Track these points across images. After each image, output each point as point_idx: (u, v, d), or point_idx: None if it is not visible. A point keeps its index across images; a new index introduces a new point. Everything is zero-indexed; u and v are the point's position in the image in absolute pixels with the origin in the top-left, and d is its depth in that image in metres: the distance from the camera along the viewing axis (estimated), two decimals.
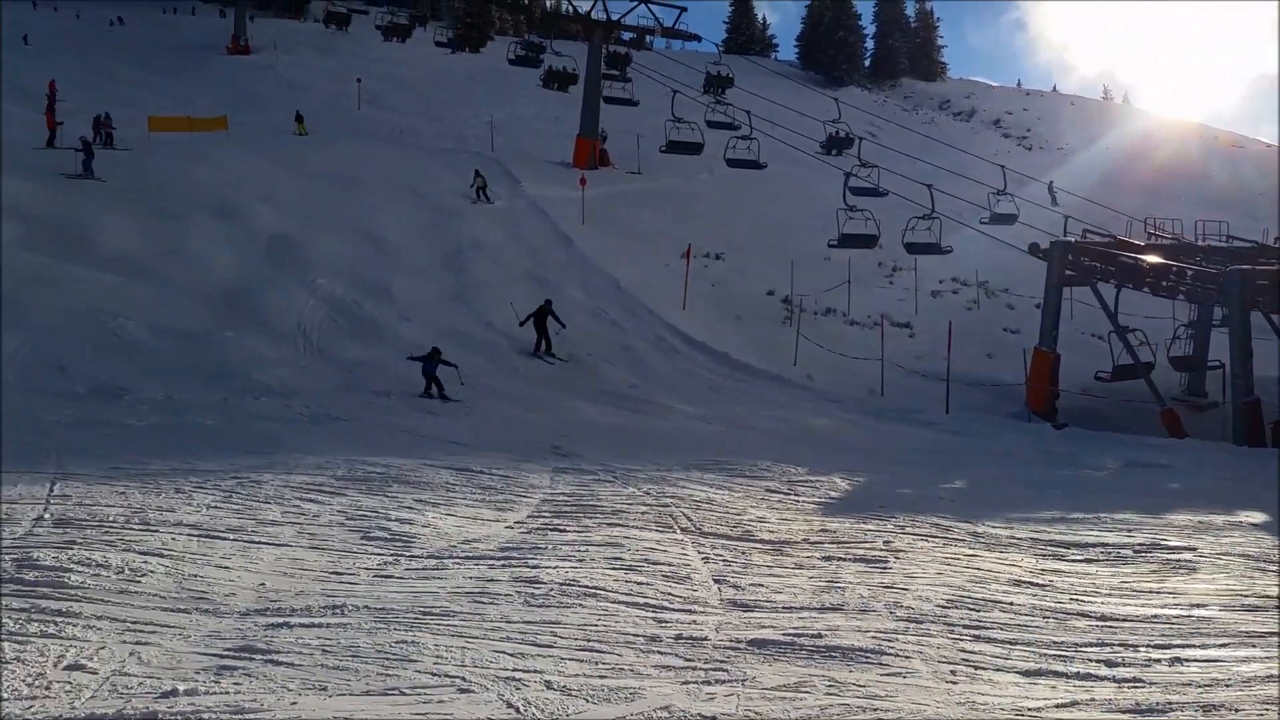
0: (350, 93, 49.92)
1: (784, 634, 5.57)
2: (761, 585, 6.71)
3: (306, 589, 5.90)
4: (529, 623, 5.42)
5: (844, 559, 7.60)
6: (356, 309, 20.95)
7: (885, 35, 78.08)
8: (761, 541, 8.07)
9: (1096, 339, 21.07)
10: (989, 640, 5.73)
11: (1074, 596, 6.78)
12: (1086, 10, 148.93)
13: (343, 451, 11.25)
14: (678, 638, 5.39)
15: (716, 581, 6.70)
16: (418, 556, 6.85)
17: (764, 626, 5.74)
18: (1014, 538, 8.68)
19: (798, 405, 18.77)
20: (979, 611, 6.30)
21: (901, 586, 6.84)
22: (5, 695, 4.11)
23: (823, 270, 25.97)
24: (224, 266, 21.50)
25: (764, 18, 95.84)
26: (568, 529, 7.97)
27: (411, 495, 8.98)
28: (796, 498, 10.18)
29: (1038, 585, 7.06)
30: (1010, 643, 5.70)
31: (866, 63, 77.36)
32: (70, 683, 4.30)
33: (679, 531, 8.18)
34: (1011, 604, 6.51)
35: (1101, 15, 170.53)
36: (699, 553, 7.48)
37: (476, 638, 5.12)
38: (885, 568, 7.38)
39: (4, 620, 5.03)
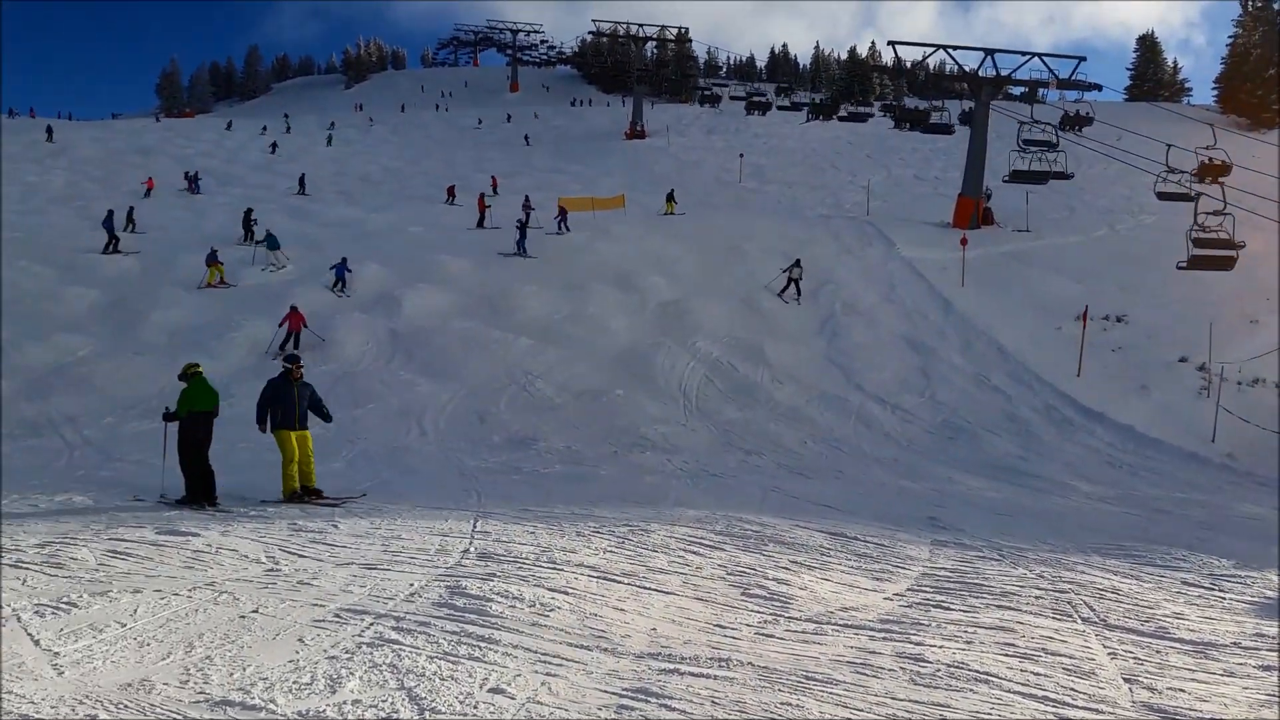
0: (735, 167, 52.60)
1: None
2: (1182, 690, 5.87)
3: (693, 639, 6.11)
4: (915, 702, 5.17)
5: None
6: (732, 371, 21.75)
7: None
8: (1180, 641, 7.08)
9: None
10: None
11: None
12: None
13: (720, 508, 11.58)
14: None
15: (1127, 681, 5.97)
16: (796, 619, 6.84)
17: None
18: None
19: (1219, 488, 16.43)
20: None
21: None
22: (442, 710, 4.66)
23: (1249, 333, 22.74)
24: (618, 331, 23.38)
25: (1174, 61, 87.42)
26: (952, 607, 7.54)
27: (787, 556, 9.01)
28: (1222, 594, 8.83)
29: None
30: None
31: None
32: (493, 705, 4.77)
33: (1079, 621, 7.42)
34: None
35: None
36: (1104, 647, 6.73)
37: (861, 711, 4.98)
38: None
39: (439, 640, 5.73)
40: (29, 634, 5.47)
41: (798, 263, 26.87)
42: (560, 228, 33.47)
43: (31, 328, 21.03)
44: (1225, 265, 20.92)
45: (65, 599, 6.16)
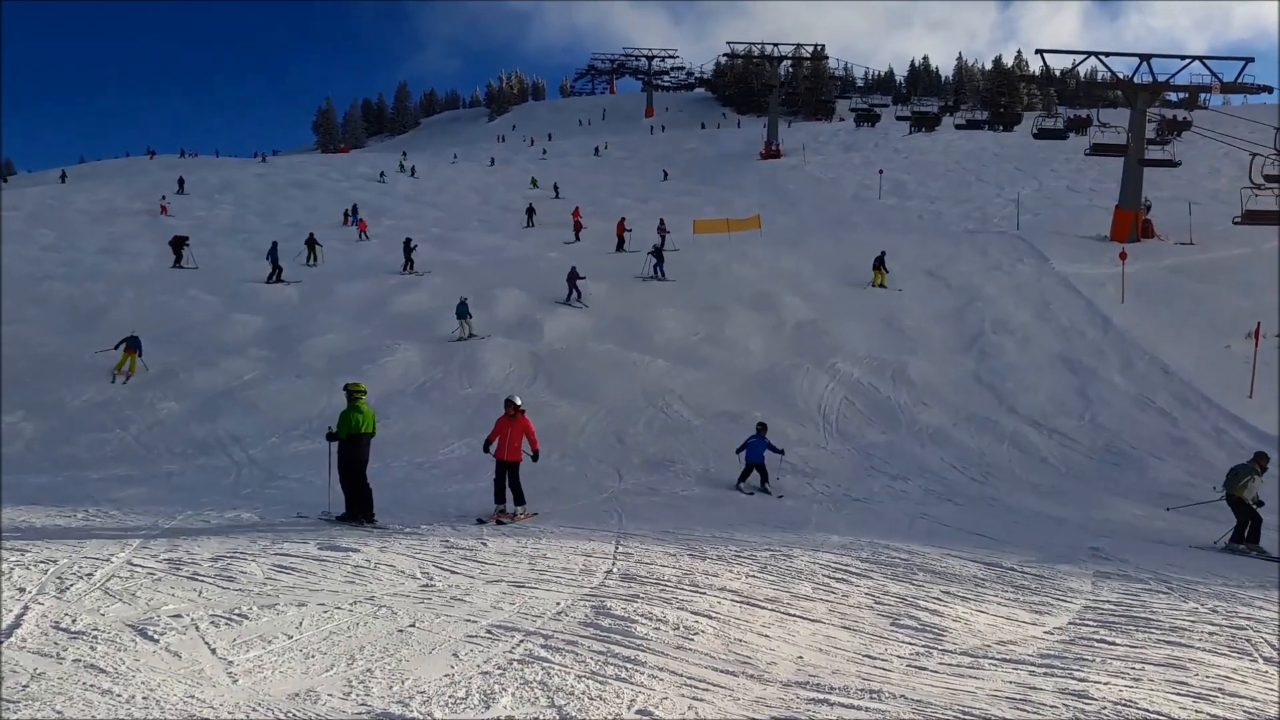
0: (874, 184, 51.67)
1: None
2: None
3: (842, 669, 5.97)
4: None
5: None
6: (874, 392, 21.25)
7: None
8: None
9: None
10: None
11: None
12: None
13: (865, 534, 11.30)
14: None
15: None
16: (950, 651, 6.58)
17: None
18: None
19: None
20: None
21: None
22: None
23: None
24: (755, 352, 23.22)
25: None
26: (1117, 642, 7.12)
27: (938, 586, 8.71)
28: None
29: None
30: None
31: None
32: None
33: (1260, 660, 6.87)
34: None
35: None
36: None
37: None
38: None
39: (587, 660, 5.78)
40: (206, 643, 5.82)
41: None
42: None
43: (201, 353, 22.49)
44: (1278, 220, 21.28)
45: (237, 610, 6.53)
